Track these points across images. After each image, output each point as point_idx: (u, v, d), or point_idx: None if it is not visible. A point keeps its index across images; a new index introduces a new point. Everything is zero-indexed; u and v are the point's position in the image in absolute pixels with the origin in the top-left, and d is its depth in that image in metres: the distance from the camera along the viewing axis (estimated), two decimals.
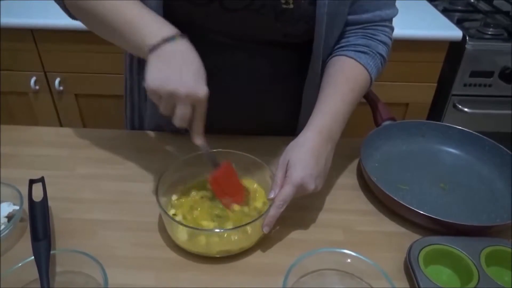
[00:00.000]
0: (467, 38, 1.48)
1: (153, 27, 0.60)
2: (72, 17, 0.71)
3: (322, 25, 0.71)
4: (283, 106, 0.86)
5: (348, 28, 0.77)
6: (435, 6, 1.70)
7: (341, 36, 0.78)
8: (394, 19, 0.82)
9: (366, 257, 0.57)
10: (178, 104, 0.58)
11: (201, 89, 0.58)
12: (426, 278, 0.57)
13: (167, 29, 0.60)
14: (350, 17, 0.76)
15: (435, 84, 1.60)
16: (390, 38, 0.80)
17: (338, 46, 0.78)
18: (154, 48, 0.58)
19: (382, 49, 0.77)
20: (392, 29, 0.81)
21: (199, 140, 0.63)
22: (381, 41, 0.77)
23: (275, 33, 0.73)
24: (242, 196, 0.69)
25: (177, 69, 0.57)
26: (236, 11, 0.69)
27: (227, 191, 0.67)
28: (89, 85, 1.61)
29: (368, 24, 0.77)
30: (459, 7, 1.77)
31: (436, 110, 1.66)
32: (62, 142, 0.86)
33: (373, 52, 0.76)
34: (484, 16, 1.71)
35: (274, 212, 0.62)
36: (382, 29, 0.78)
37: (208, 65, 0.77)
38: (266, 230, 0.62)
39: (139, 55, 0.62)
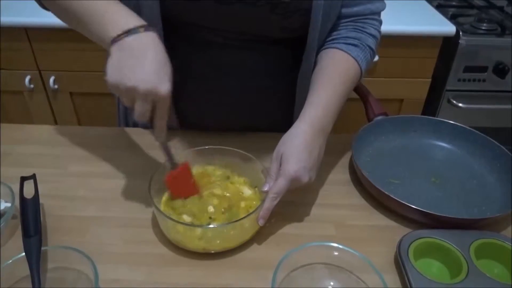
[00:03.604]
0: (460, 33, 1.48)
1: (115, 18, 0.57)
2: (43, 6, 0.69)
3: (318, 17, 0.71)
4: (278, 102, 0.86)
5: (339, 21, 0.78)
6: (430, 2, 1.70)
7: (332, 28, 0.78)
8: (389, 15, 0.83)
9: (355, 251, 0.57)
10: (137, 100, 0.55)
11: (163, 86, 0.55)
12: (416, 271, 0.57)
13: (130, 20, 0.57)
14: (342, 10, 0.77)
15: (429, 80, 1.61)
16: (379, 31, 0.81)
17: (329, 38, 0.78)
18: (115, 40, 0.56)
19: (371, 42, 0.78)
20: (380, 22, 0.82)
21: (160, 138, 0.61)
22: (370, 34, 0.78)
23: (270, 27, 0.73)
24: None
25: (137, 64, 0.54)
26: (231, 4, 0.68)
27: (182, 192, 0.67)
28: (84, 84, 1.60)
29: (359, 17, 0.78)
30: (454, 3, 1.77)
31: (430, 106, 1.67)
32: (55, 140, 0.86)
33: (363, 45, 0.76)
34: (478, 11, 1.71)
35: (268, 204, 0.62)
36: (371, 23, 0.79)
37: (203, 63, 0.77)
38: (261, 222, 0.63)
39: (104, 46, 0.58)
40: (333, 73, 0.74)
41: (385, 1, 0.81)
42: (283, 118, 0.86)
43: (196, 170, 0.72)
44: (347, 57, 0.75)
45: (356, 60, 0.75)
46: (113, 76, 0.55)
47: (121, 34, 0.56)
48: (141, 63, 0.55)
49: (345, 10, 0.77)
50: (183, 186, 0.67)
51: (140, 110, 0.56)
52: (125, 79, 0.54)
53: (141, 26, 0.57)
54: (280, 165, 0.65)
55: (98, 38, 0.59)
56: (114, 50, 0.56)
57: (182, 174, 0.67)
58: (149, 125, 0.60)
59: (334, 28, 0.78)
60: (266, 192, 0.64)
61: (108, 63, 0.56)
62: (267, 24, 0.72)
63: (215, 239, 0.61)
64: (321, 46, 0.79)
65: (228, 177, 0.72)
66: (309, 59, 0.78)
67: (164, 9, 0.69)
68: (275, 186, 0.63)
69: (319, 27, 0.73)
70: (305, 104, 0.71)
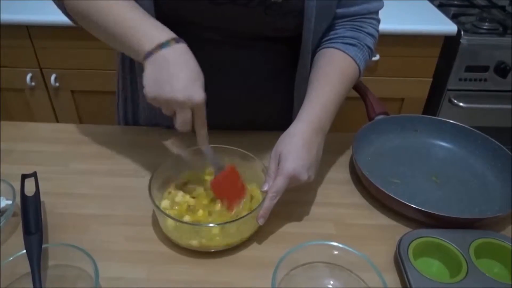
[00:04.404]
0: (462, 32, 1.48)
1: (148, 32, 0.60)
2: (75, 22, 0.71)
3: (311, 19, 0.71)
4: (276, 101, 0.86)
5: (337, 21, 0.78)
6: (432, 1, 1.70)
7: (330, 28, 0.78)
8: (390, 14, 0.83)
9: (355, 250, 0.57)
10: (176, 110, 0.58)
11: (197, 94, 0.58)
12: (415, 270, 0.57)
13: (162, 34, 0.60)
14: (339, 10, 0.77)
15: (431, 79, 1.61)
16: (377, 30, 0.81)
17: (327, 38, 0.78)
18: (148, 54, 0.58)
19: (370, 41, 0.78)
20: (378, 21, 0.82)
21: (203, 144, 0.64)
22: (368, 33, 0.78)
23: (265, 27, 0.73)
24: (241, 198, 0.68)
25: (171, 76, 0.57)
26: (224, 4, 0.69)
27: (229, 194, 0.67)
28: (85, 82, 1.61)
29: (356, 17, 0.78)
30: (455, 2, 1.77)
31: (431, 105, 1.67)
32: (57, 138, 0.86)
33: (361, 44, 0.76)
34: (480, 11, 1.71)
35: (268, 203, 0.63)
36: (369, 22, 0.79)
37: (200, 62, 0.77)
38: (261, 222, 0.63)
39: (138, 61, 0.62)
40: (331, 72, 0.74)
41: (387, 0, 0.81)
42: (282, 117, 0.86)
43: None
44: (344, 56, 0.75)
45: (353, 59, 0.75)
46: (151, 89, 0.58)
47: (155, 48, 0.58)
48: (177, 74, 0.57)
49: (342, 10, 0.77)
50: (229, 190, 0.67)
51: (181, 119, 0.59)
52: (163, 91, 0.57)
53: (173, 39, 0.59)
54: (279, 164, 0.65)
55: (131, 51, 0.61)
56: (149, 64, 0.58)
57: (228, 178, 0.67)
58: (193, 133, 0.63)
59: (332, 27, 0.78)
60: (266, 191, 0.64)
61: (145, 76, 0.59)
62: (261, 24, 0.72)
63: (215, 238, 0.61)
64: (317, 46, 0.79)
65: None
66: (305, 59, 0.78)
67: (159, 8, 0.69)
68: (274, 185, 0.63)
69: (313, 28, 0.73)
70: (303, 103, 0.71)
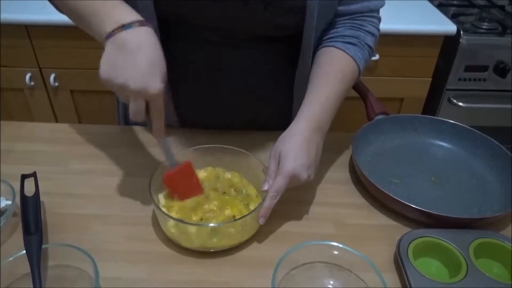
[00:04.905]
0: (461, 32, 1.48)
1: (113, 13, 0.56)
2: (59, 9, 0.70)
3: (313, 16, 0.71)
4: (276, 101, 0.86)
5: (337, 19, 0.78)
6: (431, 1, 1.70)
7: (330, 26, 0.78)
8: (390, 14, 0.82)
9: (354, 250, 0.57)
10: (130, 98, 0.55)
11: (154, 85, 0.54)
12: (415, 270, 0.57)
13: (127, 16, 0.56)
14: (339, 8, 0.76)
15: (430, 79, 1.61)
16: (378, 29, 0.80)
17: (327, 37, 0.78)
18: (110, 35, 0.55)
19: (370, 40, 0.78)
20: (379, 19, 0.81)
21: (158, 135, 0.61)
22: (369, 32, 0.78)
23: (265, 26, 0.72)
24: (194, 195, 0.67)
25: (129, 60, 0.53)
26: (223, 2, 0.68)
27: (182, 192, 0.66)
28: (84, 81, 1.60)
29: (356, 15, 0.78)
30: (455, 2, 1.77)
31: (431, 105, 1.67)
32: (56, 138, 0.86)
33: (361, 43, 0.76)
34: (479, 11, 1.71)
35: (268, 203, 0.63)
36: (370, 20, 0.79)
37: (200, 62, 0.77)
38: (261, 221, 0.63)
39: (101, 42, 0.57)
40: (331, 71, 0.74)
41: (387, 0, 0.81)
42: (282, 117, 0.86)
43: (205, 172, 0.72)
44: (344, 55, 0.75)
45: (353, 59, 0.75)
46: (105, 72, 0.54)
47: (116, 29, 0.55)
48: (133, 59, 0.54)
49: (342, 8, 0.77)
50: (184, 186, 0.67)
51: (133, 109, 0.55)
52: (116, 76, 0.54)
53: (137, 21, 0.56)
54: (279, 163, 0.65)
55: (96, 33, 0.58)
56: (108, 45, 0.55)
57: (182, 174, 0.66)
58: (147, 124, 0.59)
59: (332, 25, 0.78)
60: (266, 191, 0.64)
61: (102, 58, 0.55)
62: (261, 23, 0.72)
63: (215, 238, 0.61)
64: (318, 45, 0.79)
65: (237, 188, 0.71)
66: (306, 58, 0.78)
67: (159, 8, 0.69)
68: (274, 185, 0.63)
69: (315, 25, 0.73)
70: (303, 103, 0.71)
